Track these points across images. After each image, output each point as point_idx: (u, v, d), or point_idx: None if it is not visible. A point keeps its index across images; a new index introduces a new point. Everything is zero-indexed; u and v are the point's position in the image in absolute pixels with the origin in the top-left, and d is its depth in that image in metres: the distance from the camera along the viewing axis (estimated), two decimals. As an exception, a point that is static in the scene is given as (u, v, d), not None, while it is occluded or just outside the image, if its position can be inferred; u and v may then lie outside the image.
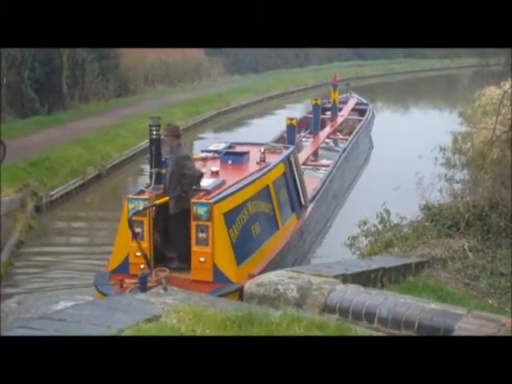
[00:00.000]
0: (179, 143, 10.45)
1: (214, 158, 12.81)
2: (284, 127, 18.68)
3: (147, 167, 11.73)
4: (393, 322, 6.28)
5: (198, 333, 5.37)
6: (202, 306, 6.23)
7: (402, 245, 9.88)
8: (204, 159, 12.69)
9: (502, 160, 12.10)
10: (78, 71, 29.03)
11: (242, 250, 10.15)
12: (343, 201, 18.21)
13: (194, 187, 10.34)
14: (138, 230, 9.70)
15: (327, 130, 23.26)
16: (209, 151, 13.38)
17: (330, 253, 12.92)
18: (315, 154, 20.59)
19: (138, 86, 35.61)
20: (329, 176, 16.94)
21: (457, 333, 5.88)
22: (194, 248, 9.76)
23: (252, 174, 11.78)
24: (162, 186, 10.51)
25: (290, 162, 13.44)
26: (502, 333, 5.81)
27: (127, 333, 5.23)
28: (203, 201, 9.88)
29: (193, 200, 9.89)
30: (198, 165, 11.53)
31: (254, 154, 13.05)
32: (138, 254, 9.53)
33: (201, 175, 10.53)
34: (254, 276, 9.28)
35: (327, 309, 6.64)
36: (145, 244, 9.75)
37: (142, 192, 10.42)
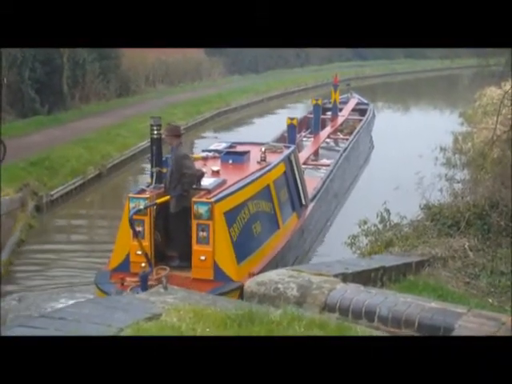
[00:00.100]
0: (180, 142, 10.47)
1: (214, 158, 12.83)
2: (284, 127, 18.70)
3: (148, 166, 11.76)
4: (393, 321, 6.28)
5: (199, 332, 5.37)
6: (202, 304, 6.24)
7: (403, 244, 9.90)
8: (205, 159, 12.71)
9: (503, 160, 12.11)
10: (78, 71, 29.02)
11: (243, 248, 10.17)
12: (344, 200, 18.21)
13: (195, 186, 10.37)
14: (138, 228, 9.74)
15: (328, 129, 23.27)
16: (209, 151, 13.39)
17: (330, 252, 12.93)
18: (316, 153, 20.60)
19: (138, 86, 35.60)
20: (329, 175, 16.95)
21: (457, 331, 5.88)
22: (195, 247, 9.79)
23: (253, 173, 11.79)
24: (162, 185, 10.55)
25: (290, 162, 13.46)
26: (502, 332, 5.82)
27: (127, 332, 5.24)
28: (204, 200, 9.91)
29: (194, 199, 9.91)
30: (198, 164, 11.58)
31: (255, 153, 13.07)
32: (139, 252, 9.59)
33: (201, 174, 10.57)
34: (254, 274, 9.31)
35: (327, 308, 6.65)
36: (146, 243, 9.80)
37: (142, 191, 10.46)
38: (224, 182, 10.96)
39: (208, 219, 9.71)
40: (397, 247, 9.83)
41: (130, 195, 10.25)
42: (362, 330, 5.80)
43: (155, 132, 10.65)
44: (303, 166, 16.03)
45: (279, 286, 6.98)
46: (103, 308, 5.93)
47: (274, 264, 10.66)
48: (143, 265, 9.52)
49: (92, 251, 14.18)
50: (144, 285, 8.89)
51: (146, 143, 22.76)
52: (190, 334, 5.29)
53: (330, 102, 25.51)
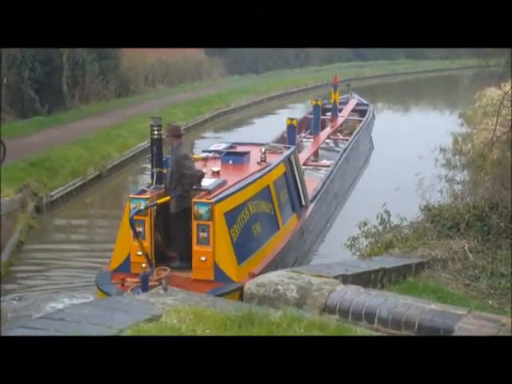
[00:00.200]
0: (180, 143, 10.47)
1: (214, 158, 12.84)
2: (284, 128, 18.70)
3: (148, 167, 11.77)
4: (393, 323, 6.28)
5: (199, 333, 5.36)
6: (202, 306, 6.23)
7: (403, 246, 9.89)
8: (205, 159, 12.72)
9: (503, 161, 12.10)
10: (78, 71, 29.01)
11: (243, 249, 10.18)
12: (344, 201, 18.21)
13: (195, 187, 10.37)
14: (139, 229, 9.76)
15: (328, 130, 23.27)
16: (210, 151, 13.40)
17: (330, 253, 12.93)
18: (316, 154, 20.61)
19: (138, 87, 35.60)
20: (329, 176, 16.95)
21: (457, 333, 5.88)
22: (195, 247, 9.81)
23: (253, 174, 11.80)
24: (163, 185, 10.55)
25: (290, 162, 13.46)
26: (502, 333, 5.81)
27: (127, 333, 5.23)
28: (204, 200, 9.92)
29: (194, 200, 9.93)
30: (199, 165, 11.60)
31: (255, 154, 13.09)
32: (140, 253, 9.61)
33: (202, 175, 10.58)
34: (254, 275, 9.33)
35: (327, 309, 6.64)
36: (146, 243, 9.81)
37: (143, 191, 10.47)
38: (224, 182, 10.98)
39: (208, 220, 9.72)
40: (397, 249, 9.82)
41: (131, 196, 10.27)
42: (361, 331, 5.79)
43: (155, 132, 10.65)
44: (303, 167, 16.04)
45: (279, 287, 6.97)
46: (103, 309, 5.92)
47: (274, 265, 10.68)
48: (144, 265, 9.53)
49: (92, 251, 14.18)
50: (144, 285, 8.90)
51: (145, 144, 22.77)
52: (190, 335, 5.29)
53: (329, 103, 25.51)
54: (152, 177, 10.77)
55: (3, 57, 23.06)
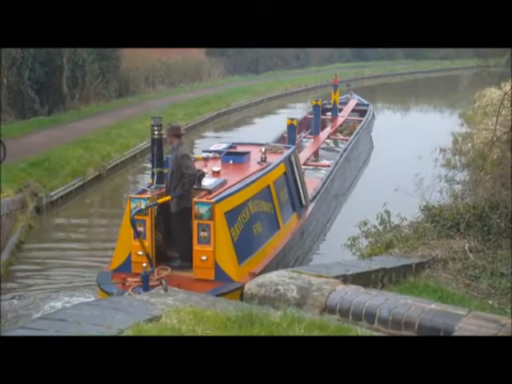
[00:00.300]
0: (180, 142, 10.48)
1: (215, 158, 12.85)
2: (284, 128, 18.72)
3: (149, 167, 11.79)
4: (393, 323, 6.28)
5: (199, 333, 5.37)
6: (202, 306, 6.24)
7: (403, 245, 9.88)
8: (205, 159, 12.73)
9: (503, 161, 12.10)
10: (78, 72, 29.03)
11: (243, 248, 10.20)
12: (344, 201, 18.21)
13: (196, 186, 10.38)
14: (140, 228, 9.77)
15: (328, 130, 23.31)
16: (210, 151, 13.41)
17: (330, 253, 12.92)
18: (316, 154, 20.65)
19: (138, 87, 35.61)
20: (329, 176, 16.97)
21: (457, 333, 5.88)
22: (196, 247, 9.83)
23: (253, 173, 11.82)
24: (164, 185, 10.57)
25: (290, 162, 13.47)
26: (503, 333, 5.82)
27: (128, 333, 5.23)
28: (205, 200, 9.94)
29: (194, 199, 9.95)
30: (199, 165, 11.60)
31: (255, 154, 13.10)
32: (140, 252, 9.64)
33: (202, 174, 10.58)
34: (255, 274, 9.35)
35: (327, 309, 6.64)
36: (147, 243, 9.84)
37: (143, 191, 10.49)
38: (225, 182, 10.99)
39: (209, 219, 9.74)
40: (397, 249, 9.81)
41: (131, 195, 10.29)
42: (362, 331, 5.79)
43: (156, 132, 10.67)
44: (303, 167, 16.05)
45: (279, 287, 6.97)
46: (103, 309, 5.93)
47: (274, 264, 10.70)
48: (144, 265, 9.56)
49: (92, 251, 14.18)
50: (145, 285, 8.95)
51: (145, 144, 22.82)
52: (191, 335, 5.29)
53: (329, 103, 25.55)
54: (152, 176, 10.79)
55: (3, 57, 23.08)
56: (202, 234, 9.79)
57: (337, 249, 11.60)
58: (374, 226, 10.87)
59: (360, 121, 25.25)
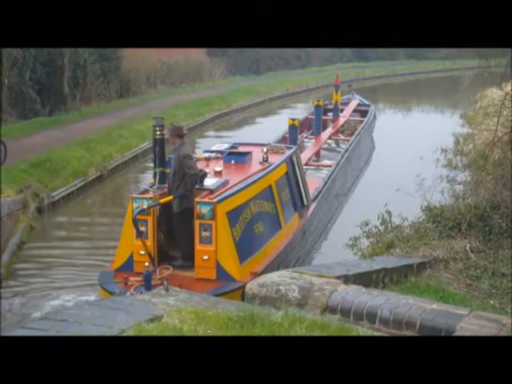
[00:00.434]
0: (182, 142, 10.49)
1: (217, 158, 12.87)
2: (286, 128, 18.74)
3: (151, 167, 11.82)
4: (394, 323, 6.28)
5: (200, 333, 5.37)
6: (203, 306, 6.24)
7: (404, 246, 9.89)
8: (207, 159, 12.75)
9: (504, 161, 12.10)
10: (79, 72, 29.02)
11: (245, 248, 10.22)
12: (345, 201, 18.22)
13: (197, 186, 10.40)
14: (142, 228, 9.81)
15: (329, 130, 23.33)
16: (212, 151, 13.42)
17: (331, 253, 12.92)
18: (317, 154, 20.65)
19: (139, 88, 35.60)
20: (331, 176, 16.98)
21: (458, 333, 5.87)
22: (198, 246, 9.85)
23: (255, 173, 11.84)
24: (166, 185, 10.60)
25: (292, 162, 13.48)
26: (504, 333, 5.81)
27: (129, 333, 5.24)
28: (207, 200, 9.96)
29: (196, 199, 9.98)
30: (201, 165, 11.63)
31: (257, 154, 13.13)
32: (142, 252, 9.68)
33: (204, 174, 10.60)
34: (257, 274, 9.37)
35: (329, 309, 6.64)
36: (149, 242, 9.88)
37: (146, 191, 10.51)
38: (226, 182, 11.03)
39: (211, 219, 9.76)
40: (398, 249, 9.81)
41: (133, 195, 10.32)
42: (363, 331, 5.79)
43: (158, 132, 10.72)
44: (305, 167, 16.06)
45: (281, 287, 6.97)
46: (105, 309, 5.93)
47: (275, 264, 10.71)
48: (147, 264, 9.60)
49: (93, 252, 14.18)
50: (148, 284, 8.97)
51: (147, 144, 22.83)
52: (192, 335, 5.29)
53: (331, 103, 25.58)
54: (155, 176, 10.83)
55: (4, 57, 23.07)
56: (203, 233, 9.82)
57: (338, 249, 11.62)
58: (376, 226, 10.88)
59: (361, 121, 25.26)
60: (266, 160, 12.76)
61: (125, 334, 5.21)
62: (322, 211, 15.32)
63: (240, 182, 11.08)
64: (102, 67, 30.82)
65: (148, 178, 16.46)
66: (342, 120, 25.03)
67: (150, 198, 10.09)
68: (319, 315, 6.45)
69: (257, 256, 10.55)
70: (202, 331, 5.41)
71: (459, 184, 13.59)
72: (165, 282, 7.07)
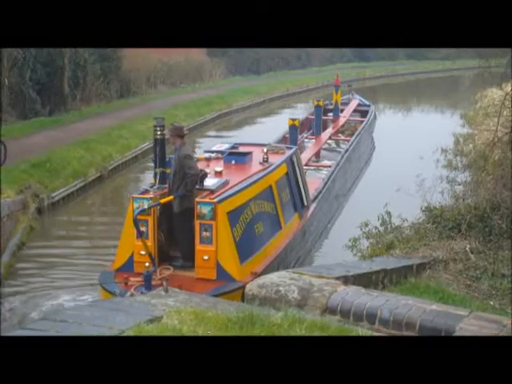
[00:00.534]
0: (183, 142, 10.50)
1: (217, 159, 12.89)
2: (286, 128, 18.74)
3: (151, 167, 11.83)
4: (394, 324, 6.27)
5: (200, 334, 5.37)
6: (203, 307, 6.24)
7: (404, 246, 9.88)
8: (208, 159, 12.77)
9: (504, 162, 12.09)
10: (79, 72, 29.02)
11: (245, 248, 10.23)
12: (345, 202, 18.22)
13: (198, 186, 10.41)
14: (142, 228, 9.82)
15: (329, 131, 23.33)
16: (212, 151, 13.44)
17: (331, 254, 12.93)
18: (317, 154, 20.66)
19: (139, 88, 35.61)
20: (331, 176, 16.99)
21: (458, 334, 5.87)
22: (198, 246, 9.86)
23: (255, 174, 11.85)
24: (166, 185, 10.61)
25: (292, 163, 13.50)
26: (504, 334, 5.81)
27: (128, 334, 5.23)
28: (207, 200, 9.98)
29: (197, 199, 9.99)
30: (202, 165, 11.64)
31: (257, 154, 13.14)
32: (143, 252, 9.69)
33: (204, 174, 10.61)
34: (256, 273, 9.38)
35: (328, 310, 6.64)
36: (149, 243, 9.89)
37: (146, 191, 10.52)
38: (227, 182, 11.04)
39: (211, 219, 9.77)
40: (398, 250, 9.80)
41: (134, 195, 10.33)
42: (363, 332, 5.79)
43: (158, 133, 10.74)
44: (305, 167, 16.07)
45: (280, 288, 6.97)
46: (104, 310, 5.92)
47: (275, 264, 10.72)
48: (147, 264, 9.60)
49: (93, 252, 14.20)
50: (148, 284, 8.98)
51: (147, 145, 22.83)
52: (191, 336, 5.28)
53: (331, 103, 25.59)
54: (155, 177, 10.84)
55: (4, 57, 23.08)
56: (204, 233, 9.83)
57: (338, 249, 11.61)
58: (375, 227, 10.88)
59: (361, 121, 25.27)
60: (266, 160, 12.78)
61: (125, 335, 5.21)
62: (322, 211, 15.33)
63: (240, 182, 11.10)
64: (102, 67, 30.83)
65: (148, 178, 16.47)
66: (342, 120, 25.04)
67: (151, 198, 10.10)
68: (319, 316, 6.44)
69: (257, 256, 10.57)
70: (201, 332, 5.40)
71: (459, 184, 13.58)
72: (164, 283, 7.07)
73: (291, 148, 14.46)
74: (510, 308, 7.85)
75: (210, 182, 10.81)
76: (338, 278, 7.41)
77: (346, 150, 20.21)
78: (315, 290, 6.87)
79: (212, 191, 10.46)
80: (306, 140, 22.44)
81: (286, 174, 12.98)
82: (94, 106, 29.66)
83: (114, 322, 5.54)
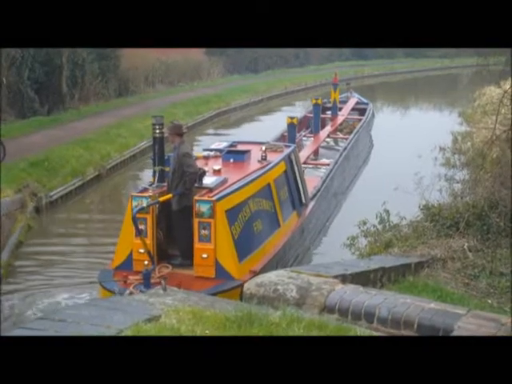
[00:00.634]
0: (182, 141, 10.50)
1: (216, 157, 12.90)
2: (284, 126, 18.74)
3: (150, 163, 11.83)
4: (392, 322, 6.29)
5: (198, 333, 5.37)
6: (201, 306, 6.24)
7: (402, 245, 9.88)
8: (206, 158, 12.77)
9: (502, 160, 12.08)
10: (77, 71, 29.00)
11: (244, 246, 10.23)
12: (343, 200, 18.22)
13: (197, 185, 10.42)
14: (141, 227, 9.81)
15: (328, 129, 23.32)
16: (211, 150, 13.44)
17: (329, 252, 12.92)
18: (316, 152, 20.66)
19: (137, 87, 35.59)
20: (329, 175, 16.99)
21: (456, 332, 5.88)
22: (197, 245, 9.87)
23: (253, 172, 11.86)
24: (165, 183, 10.62)
25: (290, 161, 13.51)
26: (502, 333, 5.82)
27: (127, 333, 5.24)
28: (206, 198, 9.98)
29: (195, 197, 9.99)
30: (200, 163, 11.65)
31: (256, 152, 13.16)
32: (142, 250, 9.69)
33: (203, 173, 10.62)
34: (255, 272, 9.39)
35: (327, 309, 6.65)
36: (148, 241, 9.88)
37: (145, 190, 10.52)
38: (225, 180, 11.05)
39: (210, 217, 9.78)
40: (396, 248, 9.80)
41: (133, 194, 10.34)
42: (361, 331, 5.80)
43: (157, 131, 10.74)
44: (303, 166, 16.07)
45: (278, 287, 6.98)
46: (102, 310, 5.93)
47: (274, 262, 10.74)
48: (146, 263, 9.60)
49: (91, 250, 14.20)
50: (147, 283, 8.98)
51: (145, 143, 22.82)
52: (189, 335, 5.29)
53: (329, 102, 25.58)
54: (154, 175, 10.84)
55: (3, 57, 23.07)
56: (202, 232, 9.83)
57: (336, 248, 11.61)
58: (374, 226, 10.87)
59: (360, 119, 25.28)
60: (264, 158, 12.79)
61: (122, 334, 5.21)
62: (321, 210, 15.33)
63: (239, 181, 11.11)
64: (100, 66, 30.81)
65: (147, 176, 16.47)
66: (340, 118, 25.05)
67: (150, 197, 10.10)
68: (317, 315, 6.46)
69: (256, 254, 10.57)
70: (199, 331, 5.41)
71: (457, 183, 13.58)
72: (162, 282, 7.08)
73: (289, 146, 14.46)
74: (508, 306, 7.86)
75: (208, 180, 10.82)
76: (336, 277, 7.42)
77: (345, 148, 20.22)
78: (313, 289, 6.88)
79: (210, 189, 10.47)
80: (304, 138, 22.44)
81: (285, 172, 12.99)
82: (93, 104, 29.64)
83: (112, 321, 5.55)
